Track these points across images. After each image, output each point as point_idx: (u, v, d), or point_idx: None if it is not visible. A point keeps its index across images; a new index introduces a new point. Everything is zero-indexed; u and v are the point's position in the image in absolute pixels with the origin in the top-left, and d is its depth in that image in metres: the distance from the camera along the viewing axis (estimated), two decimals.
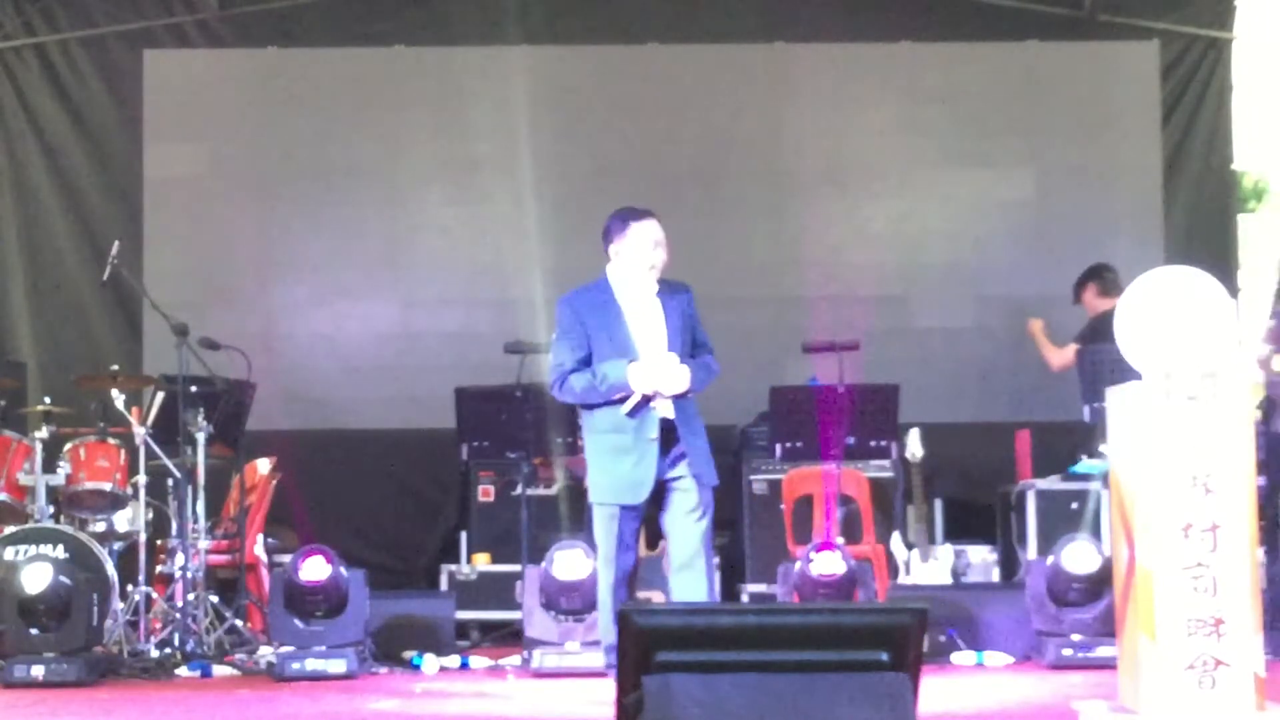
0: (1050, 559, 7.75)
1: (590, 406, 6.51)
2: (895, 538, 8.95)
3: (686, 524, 6.44)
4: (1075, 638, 7.55)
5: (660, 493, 6.45)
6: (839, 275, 10.47)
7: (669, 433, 6.43)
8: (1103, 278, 9.53)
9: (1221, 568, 5.12)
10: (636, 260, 6.57)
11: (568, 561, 7.71)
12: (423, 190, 10.75)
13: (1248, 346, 8.06)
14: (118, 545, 8.38)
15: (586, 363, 6.48)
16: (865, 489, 9.14)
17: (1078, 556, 7.64)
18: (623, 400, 6.37)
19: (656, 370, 6.38)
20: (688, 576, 6.42)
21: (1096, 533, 8.30)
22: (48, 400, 8.66)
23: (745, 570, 9.46)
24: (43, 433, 8.25)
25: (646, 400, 6.39)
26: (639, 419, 6.38)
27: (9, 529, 8.04)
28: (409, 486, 10.44)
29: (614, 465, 6.43)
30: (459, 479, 9.84)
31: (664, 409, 6.44)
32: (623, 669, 4.36)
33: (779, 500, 9.25)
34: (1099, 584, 7.52)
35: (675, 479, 6.45)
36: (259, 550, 8.93)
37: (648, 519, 6.63)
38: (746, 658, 4.26)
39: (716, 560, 8.81)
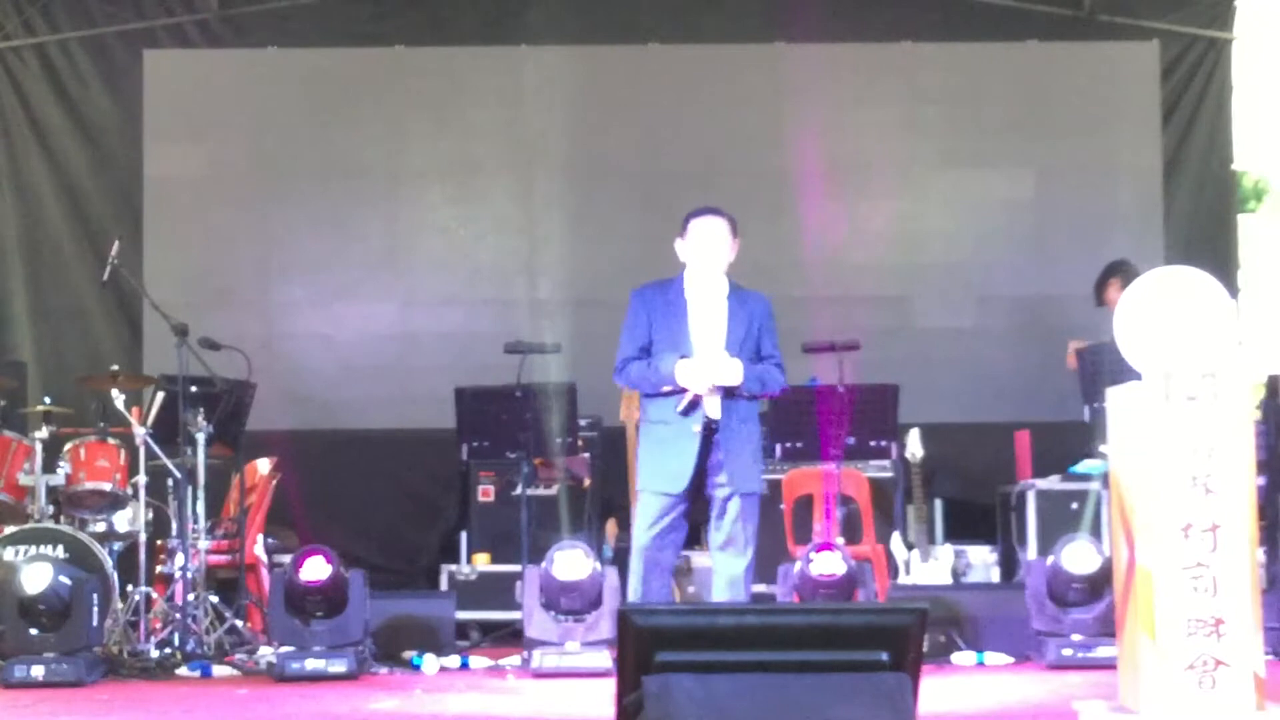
0: (1050, 559, 7.75)
1: (647, 396, 6.80)
2: (895, 538, 8.95)
3: (721, 534, 6.72)
4: (1075, 638, 7.54)
5: (702, 497, 6.72)
6: (839, 275, 10.48)
7: (712, 434, 6.64)
8: (1125, 272, 9.43)
9: (1221, 568, 5.12)
10: (692, 257, 6.79)
11: (568, 561, 7.70)
12: (423, 190, 10.75)
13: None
14: (118, 545, 8.38)
15: (647, 352, 6.75)
16: (865, 489, 9.13)
17: (1078, 556, 7.64)
18: (672, 393, 6.63)
19: (705, 366, 6.59)
20: (726, 556, 6.72)
21: (1096, 533, 8.30)
22: (48, 400, 8.65)
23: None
24: (43, 433, 8.24)
25: (698, 400, 6.60)
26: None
27: (9, 529, 8.04)
28: (409, 486, 10.44)
29: (659, 454, 6.72)
30: (459, 479, 9.84)
31: (710, 409, 6.62)
32: (623, 669, 4.36)
33: (779, 500, 9.24)
34: (1099, 584, 7.51)
35: (715, 486, 6.69)
36: (259, 550, 8.92)
37: None
38: (746, 658, 4.26)
39: None
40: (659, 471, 6.71)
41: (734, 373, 6.62)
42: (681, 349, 6.67)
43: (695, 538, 7.55)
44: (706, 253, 6.76)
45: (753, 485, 6.74)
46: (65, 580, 7.42)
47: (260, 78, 10.76)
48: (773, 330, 6.85)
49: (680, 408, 6.61)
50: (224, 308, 10.12)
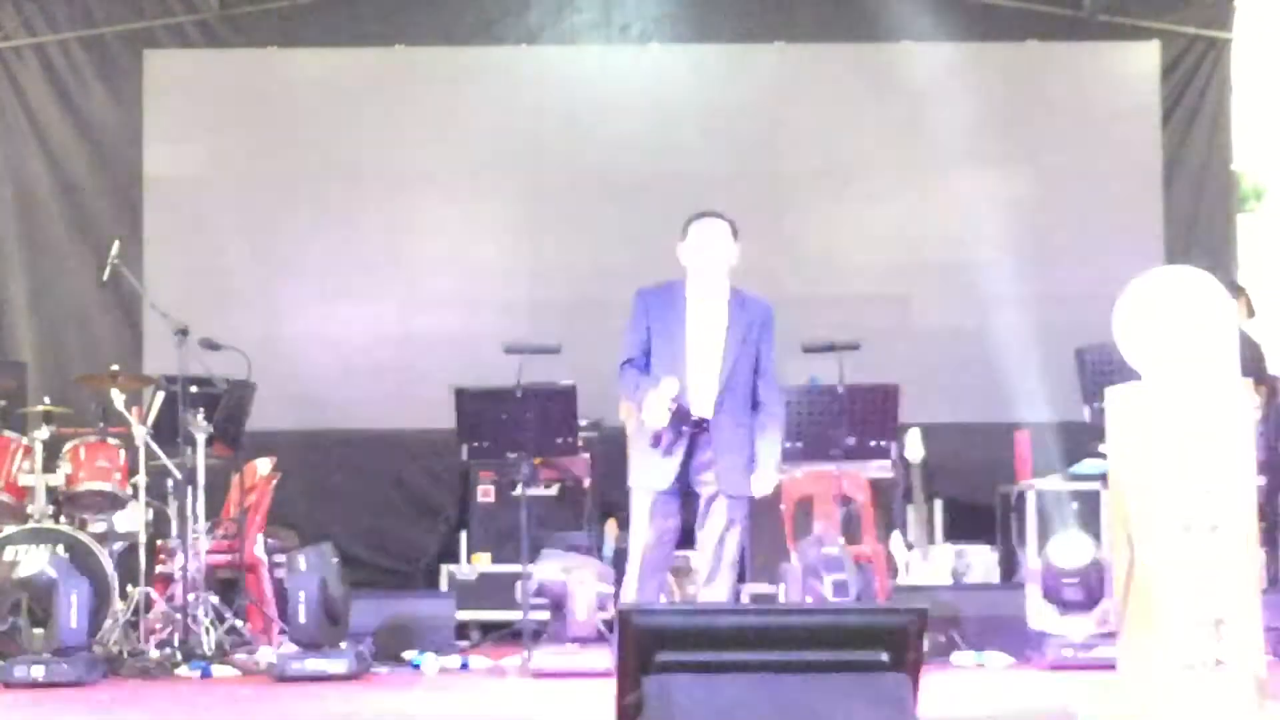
0: (1046, 556, 7.75)
1: None
2: (895, 538, 8.95)
3: (709, 538, 6.60)
4: (1075, 638, 7.55)
5: (690, 499, 6.59)
6: (839, 275, 10.48)
7: (702, 434, 6.53)
8: (1245, 295, 9.01)
9: (1221, 568, 5.12)
10: (693, 260, 6.71)
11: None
12: (423, 190, 10.74)
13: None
14: (118, 545, 8.37)
15: (648, 355, 6.66)
16: (865, 489, 9.13)
17: (1067, 550, 7.62)
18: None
19: (662, 399, 6.43)
20: (709, 591, 6.61)
21: (1097, 533, 8.30)
22: (48, 400, 8.64)
23: (745, 570, 9.45)
24: (43, 433, 8.23)
25: (660, 437, 6.49)
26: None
27: (9, 529, 8.04)
28: (409, 486, 10.44)
29: (648, 453, 6.60)
30: (459, 479, 9.84)
31: (702, 408, 6.53)
32: (623, 669, 4.36)
33: (779, 500, 9.24)
34: (1099, 583, 7.51)
35: (702, 488, 6.57)
36: (259, 550, 8.91)
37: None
38: (746, 658, 4.26)
39: None
40: (648, 469, 6.61)
41: (768, 485, 6.60)
42: (677, 357, 6.56)
43: (690, 539, 7.50)
44: (707, 256, 6.68)
45: (740, 488, 6.58)
46: (63, 579, 7.43)
47: (260, 78, 10.75)
48: (771, 339, 6.73)
49: (651, 440, 6.52)
50: (224, 308, 10.11)
